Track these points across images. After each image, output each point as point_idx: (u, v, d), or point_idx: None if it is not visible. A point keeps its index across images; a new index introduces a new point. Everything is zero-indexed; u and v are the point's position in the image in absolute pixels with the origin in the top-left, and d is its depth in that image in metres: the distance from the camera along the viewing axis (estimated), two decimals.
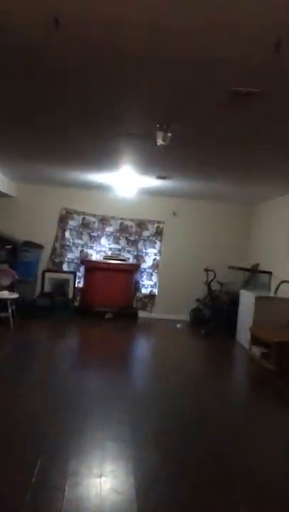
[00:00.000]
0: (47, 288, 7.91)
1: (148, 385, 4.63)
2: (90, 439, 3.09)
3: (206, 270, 7.86)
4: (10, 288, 6.85)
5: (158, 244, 8.29)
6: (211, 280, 7.73)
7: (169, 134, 3.44)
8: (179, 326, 7.75)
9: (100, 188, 7.57)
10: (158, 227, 8.26)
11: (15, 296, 6.68)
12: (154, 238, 8.28)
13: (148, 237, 8.27)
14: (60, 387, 4.18)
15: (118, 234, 8.23)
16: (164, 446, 3.11)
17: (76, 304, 8.00)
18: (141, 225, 8.23)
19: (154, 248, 8.30)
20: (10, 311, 6.51)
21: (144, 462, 2.82)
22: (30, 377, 4.55)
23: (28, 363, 5.12)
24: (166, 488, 2.56)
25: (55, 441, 2.99)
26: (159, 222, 8.26)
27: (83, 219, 8.15)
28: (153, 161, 5.02)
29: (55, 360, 5.34)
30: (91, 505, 2.32)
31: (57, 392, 4.04)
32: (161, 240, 8.28)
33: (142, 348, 6.68)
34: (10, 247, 7.48)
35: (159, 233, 8.27)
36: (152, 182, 6.49)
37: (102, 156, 4.98)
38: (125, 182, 6.70)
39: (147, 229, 8.26)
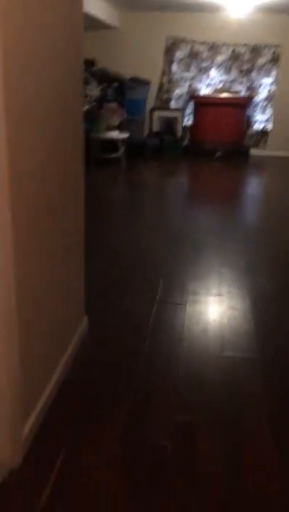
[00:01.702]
0: (155, 127, 7.76)
1: (262, 221, 4.62)
2: (207, 265, 3.26)
3: None
4: (119, 128, 6.83)
5: (274, 73, 7.48)
6: None
7: None
8: None
9: (209, 8, 6.74)
10: (274, 52, 7.35)
11: (125, 135, 6.68)
12: (270, 66, 7.45)
13: (263, 65, 7.46)
14: (175, 222, 4.34)
15: (229, 63, 7.52)
16: (278, 276, 3.19)
17: (185, 143, 7.83)
18: (255, 51, 7.38)
19: (269, 77, 7.52)
20: (121, 151, 6.59)
21: (259, 287, 2.94)
22: (145, 213, 4.76)
23: (142, 201, 5.33)
24: (280, 309, 2.68)
25: (174, 267, 3.21)
26: (276, 46, 7.33)
27: (191, 48, 7.50)
28: None
29: (168, 198, 5.47)
30: (210, 319, 2.53)
31: (172, 226, 4.21)
32: (278, 67, 7.44)
33: (254, 186, 6.53)
34: (117, 84, 7.24)
35: (275, 59, 7.40)
36: None
37: None
38: None
39: (262, 55, 7.41)
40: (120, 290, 2.80)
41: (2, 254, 1.26)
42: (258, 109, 7.75)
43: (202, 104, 7.47)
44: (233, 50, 7.42)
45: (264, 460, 1.59)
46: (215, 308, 2.65)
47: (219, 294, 2.81)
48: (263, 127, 7.83)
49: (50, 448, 1.59)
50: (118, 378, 1.99)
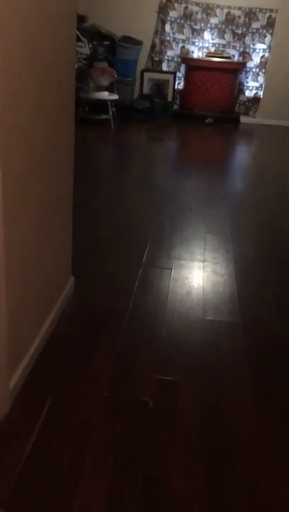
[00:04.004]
0: (146, 90, 7.61)
1: (248, 190, 4.65)
2: (192, 231, 3.30)
3: None
4: (109, 89, 6.69)
5: (268, 39, 7.34)
6: None
7: None
8: None
9: None
10: (270, 16, 7.20)
11: (115, 97, 6.56)
12: (265, 31, 7.30)
13: (257, 29, 7.30)
14: (161, 186, 4.34)
15: (223, 26, 7.35)
16: (262, 242, 3.25)
17: (175, 107, 7.71)
18: (250, 14, 7.21)
19: (264, 43, 7.39)
20: (110, 112, 6.48)
21: (243, 254, 3.00)
22: (133, 175, 4.74)
23: (131, 164, 5.29)
24: (263, 275, 2.75)
25: (161, 231, 3.23)
26: (271, 10, 7.17)
27: (185, 8, 7.28)
28: None
29: (156, 162, 5.44)
30: (195, 283, 2.58)
31: (158, 189, 4.21)
32: (272, 33, 7.30)
33: (243, 154, 6.51)
34: (107, 43, 7.03)
35: (270, 24, 7.24)
36: None
37: None
38: None
39: (257, 20, 7.25)
40: (106, 252, 2.83)
41: None
42: (251, 76, 7.64)
43: (194, 68, 7.33)
44: (228, 13, 7.24)
45: (243, 415, 1.68)
46: (199, 273, 2.71)
47: (204, 260, 2.86)
48: (255, 94, 7.75)
49: (37, 398, 1.65)
50: (102, 336, 2.05)
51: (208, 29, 7.39)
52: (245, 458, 1.51)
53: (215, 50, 7.44)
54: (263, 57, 7.46)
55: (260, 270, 2.82)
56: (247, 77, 7.67)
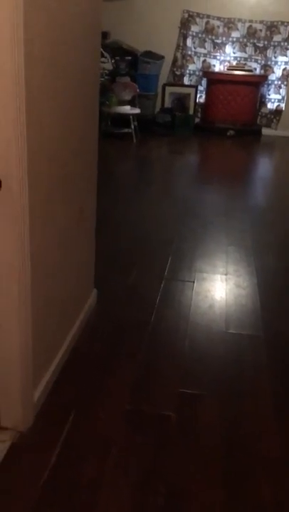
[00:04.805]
0: (167, 103, 7.67)
1: (270, 202, 4.62)
2: (214, 244, 3.29)
3: None
4: (131, 103, 6.77)
5: None
6: None
7: None
8: None
9: None
10: None
11: (137, 111, 6.63)
12: (286, 43, 7.30)
13: (279, 42, 7.31)
14: (182, 198, 4.35)
15: (245, 40, 7.38)
16: (285, 255, 3.22)
17: (197, 120, 7.75)
18: (271, 27, 7.23)
19: (286, 56, 7.39)
20: (132, 126, 6.55)
21: (265, 267, 2.98)
22: (154, 188, 4.77)
23: (152, 176, 5.33)
24: (286, 288, 2.72)
25: (182, 244, 3.24)
26: None
27: (206, 23, 7.35)
28: None
29: (178, 174, 5.46)
30: (217, 297, 2.57)
31: (180, 203, 4.22)
32: None
33: (265, 166, 6.49)
34: (130, 58, 7.14)
35: None
36: None
37: None
38: None
39: (279, 33, 7.26)
40: (128, 265, 2.85)
41: (18, 224, 1.30)
42: (273, 88, 7.64)
43: (215, 81, 7.37)
44: (249, 27, 7.27)
45: (264, 429, 1.66)
46: (221, 286, 2.70)
47: (226, 273, 2.85)
48: (277, 106, 7.73)
49: (60, 411, 1.66)
50: (124, 348, 2.05)
51: (230, 43, 7.43)
52: (266, 472, 1.49)
53: (236, 64, 7.47)
54: (284, 69, 7.46)
55: (282, 283, 2.80)
56: (269, 90, 7.66)
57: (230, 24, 7.31)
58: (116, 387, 1.81)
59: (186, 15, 7.29)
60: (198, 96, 7.65)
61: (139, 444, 1.56)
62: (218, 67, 7.59)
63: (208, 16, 7.30)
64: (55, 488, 1.38)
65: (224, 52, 7.48)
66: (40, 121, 1.35)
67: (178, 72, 7.65)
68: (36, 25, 1.23)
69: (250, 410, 1.75)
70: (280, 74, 7.50)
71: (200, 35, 7.45)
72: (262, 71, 7.51)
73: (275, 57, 7.42)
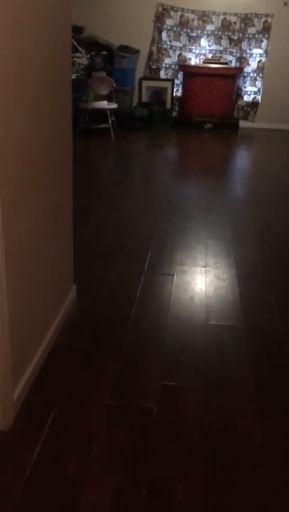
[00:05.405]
0: (144, 98, 7.66)
1: (248, 194, 4.65)
2: (194, 237, 3.30)
3: None
4: (108, 98, 6.73)
5: (264, 43, 7.39)
6: None
7: None
8: None
9: None
10: (266, 21, 7.24)
11: (114, 106, 6.60)
12: (261, 36, 7.35)
13: (254, 34, 7.35)
14: (162, 192, 4.36)
15: (220, 32, 7.39)
16: (263, 247, 3.25)
17: (174, 114, 7.75)
18: (246, 20, 7.26)
19: (260, 48, 7.43)
20: (110, 121, 6.53)
21: (245, 259, 3.00)
22: (134, 183, 4.77)
23: (131, 171, 5.32)
24: (265, 279, 2.75)
25: (162, 238, 3.24)
26: (267, 15, 7.21)
27: (181, 16, 7.34)
28: None
29: (157, 169, 5.46)
30: (197, 288, 2.58)
31: (159, 197, 4.22)
32: (268, 38, 7.34)
33: (243, 158, 6.53)
34: (105, 53, 7.10)
35: (266, 29, 7.29)
36: None
37: None
38: None
39: (253, 25, 7.30)
40: (108, 260, 2.84)
41: None
42: (248, 81, 7.68)
43: (192, 75, 7.38)
44: (224, 19, 7.29)
45: (246, 418, 1.67)
46: (201, 278, 2.71)
47: (206, 265, 2.86)
48: (253, 99, 7.78)
49: (41, 408, 1.65)
50: (105, 343, 2.05)
51: (205, 36, 7.44)
52: (249, 462, 1.50)
53: (212, 57, 7.49)
54: (260, 61, 7.51)
55: (261, 274, 2.82)
56: (245, 82, 7.70)
57: (204, 17, 7.31)
58: (97, 383, 1.81)
59: (160, 8, 7.27)
60: (175, 90, 7.65)
61: (121, 438, 1.56)
62: (193, 60, 7.59)
63: (183, 9, 7.30)
64: (38, 486, 1.37)
65: (199, 45, 7.49)
66: (6, 120, 1.33)
67: (154, 66, 7.64)
68: (2, 20, 1.21)
69: (233, 400, 1.76)
70: (256, 66, 7.55)
71: (175, 29, 7.44)
72: (237, 63, 7.54)
73: (250, 50, 7.46)
